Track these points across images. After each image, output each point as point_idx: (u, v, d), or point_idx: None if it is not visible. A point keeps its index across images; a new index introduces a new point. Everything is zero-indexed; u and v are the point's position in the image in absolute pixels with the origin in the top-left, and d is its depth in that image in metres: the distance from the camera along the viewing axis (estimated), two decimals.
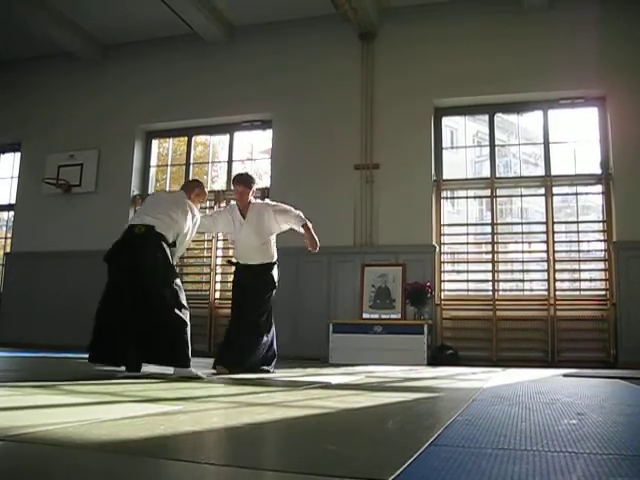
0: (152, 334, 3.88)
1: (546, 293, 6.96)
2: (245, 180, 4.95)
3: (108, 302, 3.99)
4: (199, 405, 2.70)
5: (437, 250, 7.25)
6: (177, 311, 3.95)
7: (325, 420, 2.33)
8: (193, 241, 7.92)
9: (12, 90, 9.35)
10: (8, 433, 1.66)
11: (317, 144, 7.69)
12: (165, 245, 4.06)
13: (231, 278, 8.70)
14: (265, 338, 4.81)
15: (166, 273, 4.02)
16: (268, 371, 4.74)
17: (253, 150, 8.90)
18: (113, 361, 3.98)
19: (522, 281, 7.35)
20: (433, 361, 6.54)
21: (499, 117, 7.90)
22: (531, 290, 7.32)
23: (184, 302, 4.05)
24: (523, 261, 7.33)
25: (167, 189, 8.87)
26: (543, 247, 7.13)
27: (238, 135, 8.60)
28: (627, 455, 1.57)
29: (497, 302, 7.01)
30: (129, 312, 3.87)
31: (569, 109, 7.45)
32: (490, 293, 7.10)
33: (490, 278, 7.16)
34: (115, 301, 3.95)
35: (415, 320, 6.77)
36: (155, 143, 8.95)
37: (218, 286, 8.22)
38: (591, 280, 7.31)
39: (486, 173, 7.78)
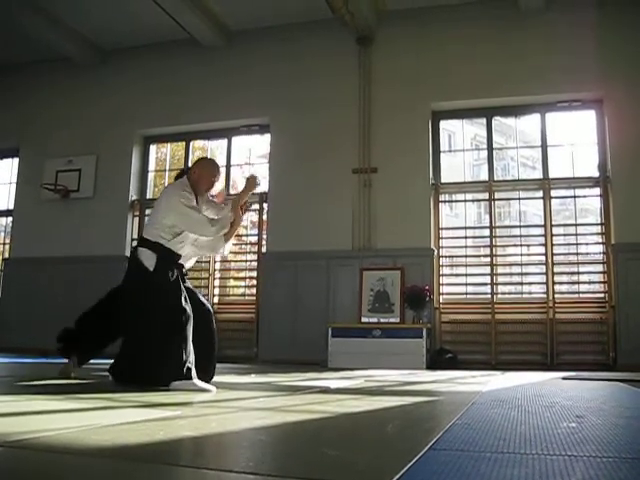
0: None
1: (545, 296, 6.96)
2: None
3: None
4: (198, 410, 2.69)
5: (435, 253, 7.25)
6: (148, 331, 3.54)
7: (324, 424, 2.33)
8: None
9: (10, 95, 9.35)
10: (7, 439, 1.66)
11: (315, 148, 7.70)
12: (149, 252, 3.64)
13: (231, 282, 8.84)
14: None
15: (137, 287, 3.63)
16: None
17: (251, 155, 8.90)
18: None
19: (521, 284, 7.36)
20: (432, 365, 6.53)
21: (497, 120, 7.91)
22: (530, 293, 7.31)
23: (162, 318, 3.53)
24: (522, 264, 7.34)
25: None
26: (542, 250, 7.14)
27: (236, 140, 8.61)
28: (626, 458, 1.56)
29: (496, 305, 7.01)
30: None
31: (567, 112, 7.47)
32: (489, 296, 7.10)
33: (489, 281, 7.16)
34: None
35: (414, 324, 6.77)
36: (153, 148, 8.95)
37: (217, 291, 8.24)
38: (590, 283, 7.31)
39: (484, 176, 7.79)
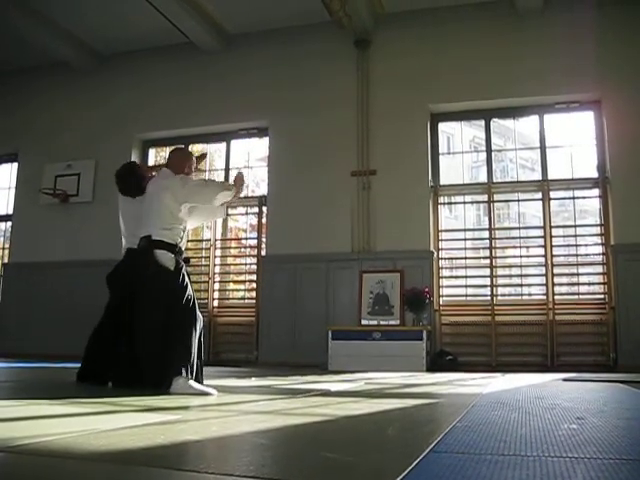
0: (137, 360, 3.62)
1: (545, 297, 6.97)
2: None
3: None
4: (198, 414, 2.69)
5: (435, 256, 7.25)
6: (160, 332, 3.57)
7: (325, 427, 2.33)
8: (191, 249, 7.97)
9: (9, 100, 9.36)
10: (8, 444, 1.66)
11: (313, 151, 7.70)
12: (169, 255, 3.70)
13: (231, 286, 8.82)
14: None
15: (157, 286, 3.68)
16: None
17: (250, 158, 8.89)
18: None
19: (520, 286, 7.36)
20: (432, 367, 6.53)
21: (495, 122, 7.92)
22: (529, 295, 7.31)
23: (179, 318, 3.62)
24: (521, 266, 7.34)
25: None
26: (541, 251, 7.14)
27: (235, 143, 8.61)
28: (627, 459, 1.57)
29: (496, 307, 7.01)
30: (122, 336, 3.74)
31: (565, 113, 7.47)
32: (489, 298, 7.10)
33: (488, 283, 7.17)
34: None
35: (414, 326, 6.77)
36: (152, 152, 8.95)
37: (217, 294, 8.23)
38: (589, 284, 7.31)
39: (483, 178, 7.79)
